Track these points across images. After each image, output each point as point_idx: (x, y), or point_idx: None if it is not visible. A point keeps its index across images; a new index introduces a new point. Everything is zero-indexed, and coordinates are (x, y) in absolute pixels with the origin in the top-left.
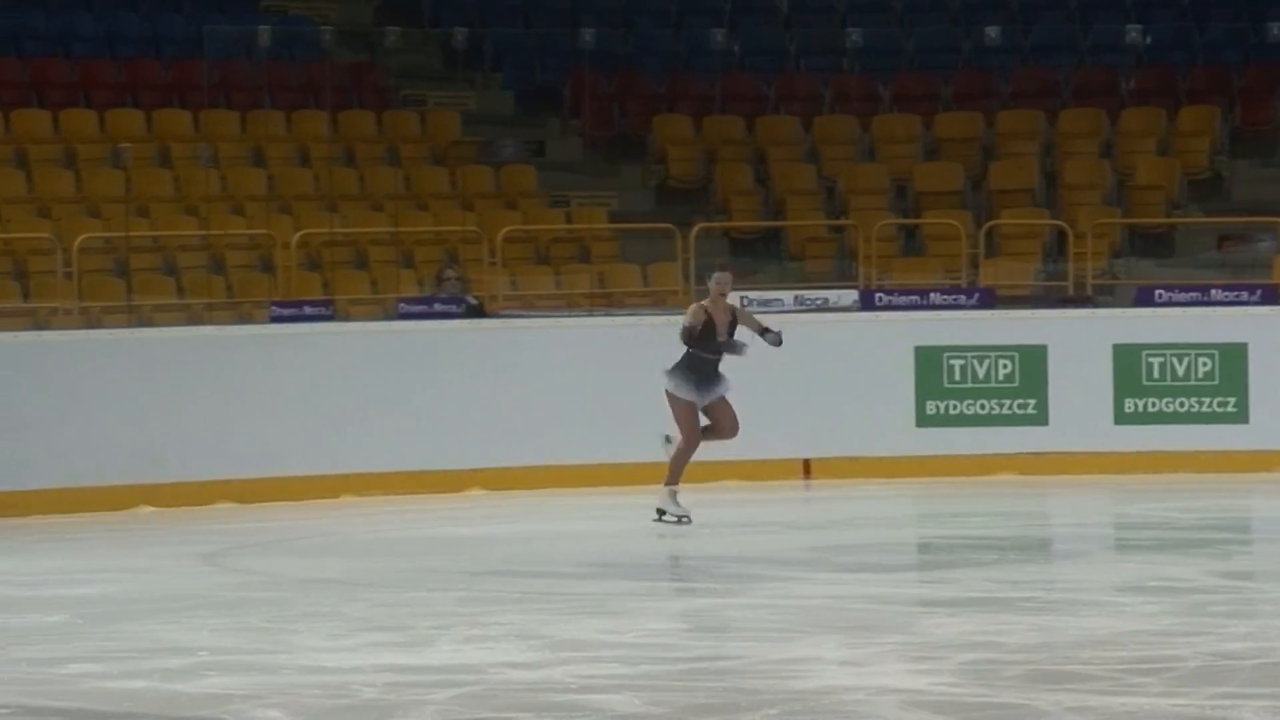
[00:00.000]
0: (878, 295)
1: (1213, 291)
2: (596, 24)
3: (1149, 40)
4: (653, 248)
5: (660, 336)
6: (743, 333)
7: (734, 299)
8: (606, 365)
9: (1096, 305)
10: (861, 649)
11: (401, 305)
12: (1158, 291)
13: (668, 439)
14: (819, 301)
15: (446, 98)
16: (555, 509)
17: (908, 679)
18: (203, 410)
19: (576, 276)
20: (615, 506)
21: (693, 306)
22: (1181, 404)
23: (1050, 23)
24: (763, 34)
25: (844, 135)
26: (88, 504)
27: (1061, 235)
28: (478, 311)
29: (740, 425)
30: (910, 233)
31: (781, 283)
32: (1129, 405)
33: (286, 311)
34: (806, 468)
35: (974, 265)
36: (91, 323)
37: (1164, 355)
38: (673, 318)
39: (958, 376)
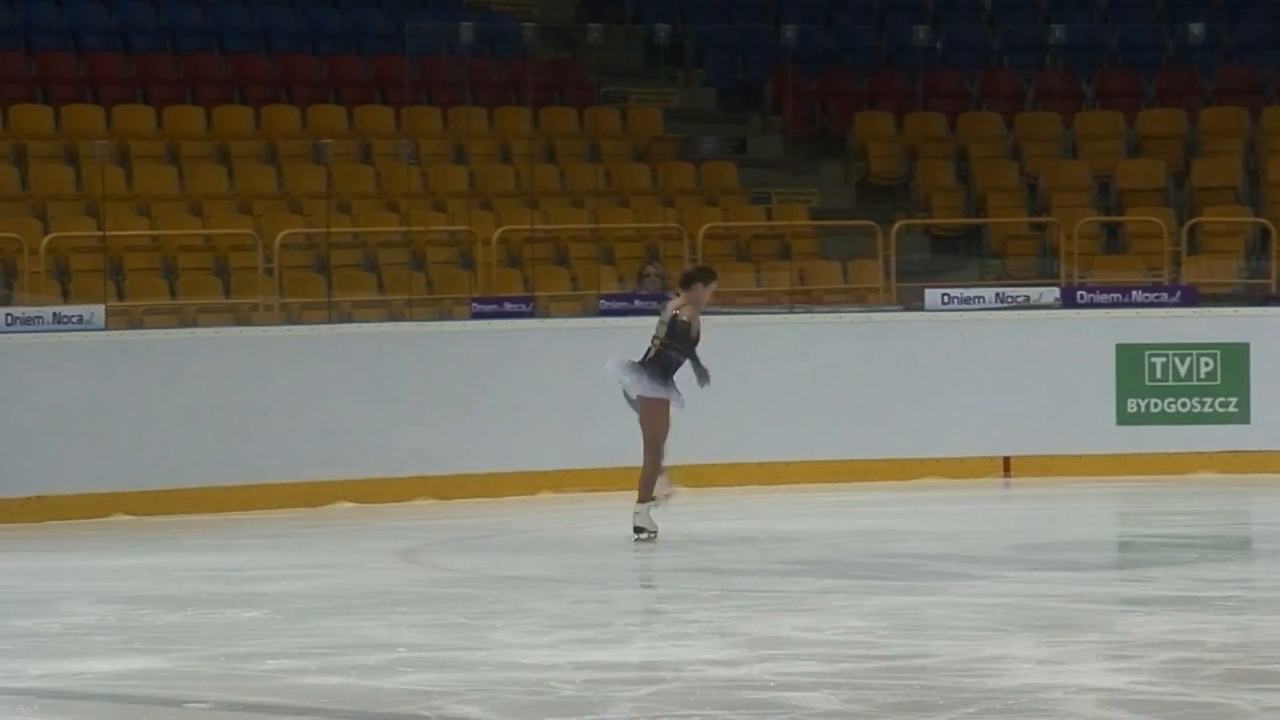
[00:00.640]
0: (1079, 293)
1: None
2: (798, 20)
3: None
4: (853, 244)
5: (860, 333)
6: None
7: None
8: (806, 362)
9: None
10: (1059, 647)
11: (602, 301)
12: None
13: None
14: (1020, 299)
15: (648, 94)
16: (753, 506)
17: (1105, 677)
18: (402, 406)
19: (776, 273)
20: (813, 504)
21: (688, 309)
22: None
23: (1254, 20)
24: (965, 30)
25: (1046, 132)
26: (286, 500)
27: (1264, 233)
28: None
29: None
30: (1112, 230)
31: (982, 280)
32: None
33: (487, 308)
34: (1006, 465)
35: (1176, 263)
36: (292, 319)
37: None
38: (873, 315)
39: (1159, 374)
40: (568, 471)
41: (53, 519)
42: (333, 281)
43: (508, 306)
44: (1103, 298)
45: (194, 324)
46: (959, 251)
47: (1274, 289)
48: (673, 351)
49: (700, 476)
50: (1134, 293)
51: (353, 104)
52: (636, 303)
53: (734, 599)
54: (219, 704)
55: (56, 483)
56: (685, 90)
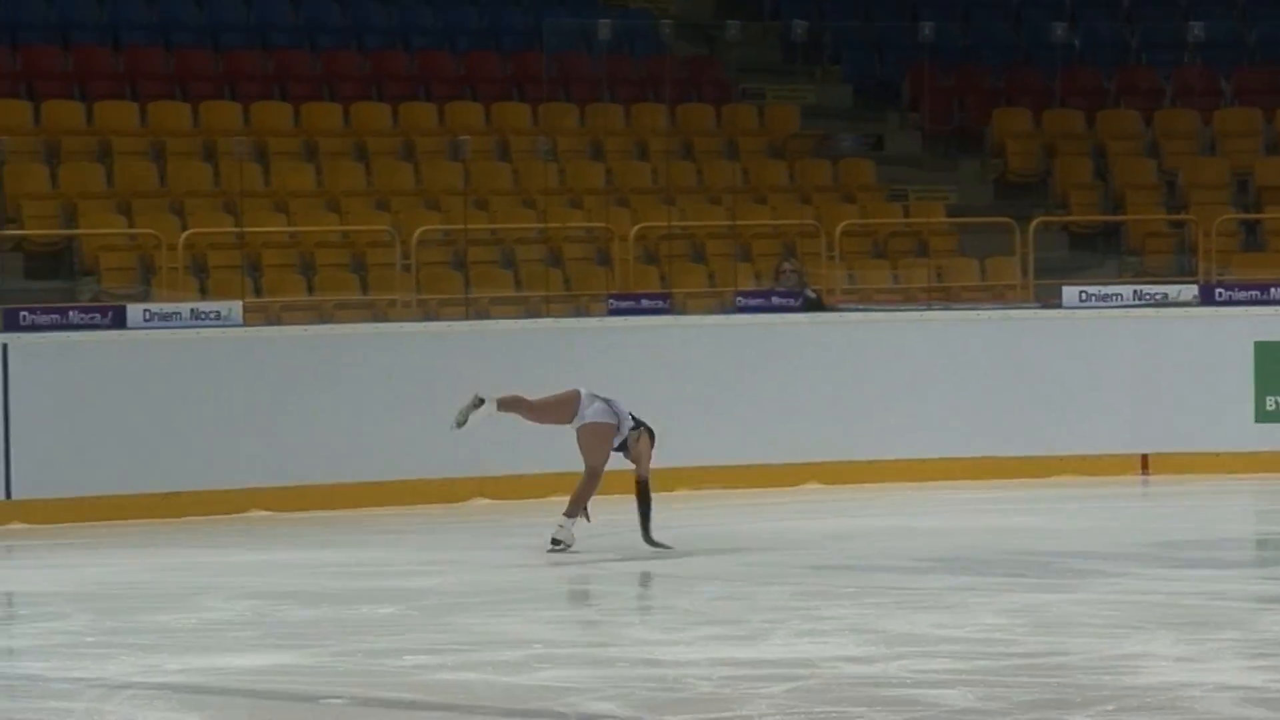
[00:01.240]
0: (1217, 290)
1: None
2: (936, 18)
3: None
4: (991, 242)
5: (997, 331)
6: None
7: None
8: (944, 360)
9: None
10: (1197, 645)
11: (739, 298)
12: None
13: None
14: (1158, 296)
15: (785, 91)
16: (890, 503)
17: (1245, 675)
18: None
19: (914, 270)
20: (950, 501)
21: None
22: None
23: None
24: (1103, 27)
25: (1184, 129)
26: (422, 496)
27: None
28: (815, 305)
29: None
30: (1250, 227)
31: (1120, 277)
32: None
33: (624, 304)
34: (1144, 463)
35: None
36: (429, 315)
37: None
38: (1011, 312)
39: None
40: (703, 469)
41: (189, 515)
42: (470, 278)
43: (644, 303)
44: (1241, 295)
45: (331, 320)
46: (1097, 249)
47: None
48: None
49: (837, 474)
50: (1272, 290)
51: (490, 101)
52: (773, 300)
53: (871, 596)
54: (355, 699)
55: (193, 479)
56: (823, 87)
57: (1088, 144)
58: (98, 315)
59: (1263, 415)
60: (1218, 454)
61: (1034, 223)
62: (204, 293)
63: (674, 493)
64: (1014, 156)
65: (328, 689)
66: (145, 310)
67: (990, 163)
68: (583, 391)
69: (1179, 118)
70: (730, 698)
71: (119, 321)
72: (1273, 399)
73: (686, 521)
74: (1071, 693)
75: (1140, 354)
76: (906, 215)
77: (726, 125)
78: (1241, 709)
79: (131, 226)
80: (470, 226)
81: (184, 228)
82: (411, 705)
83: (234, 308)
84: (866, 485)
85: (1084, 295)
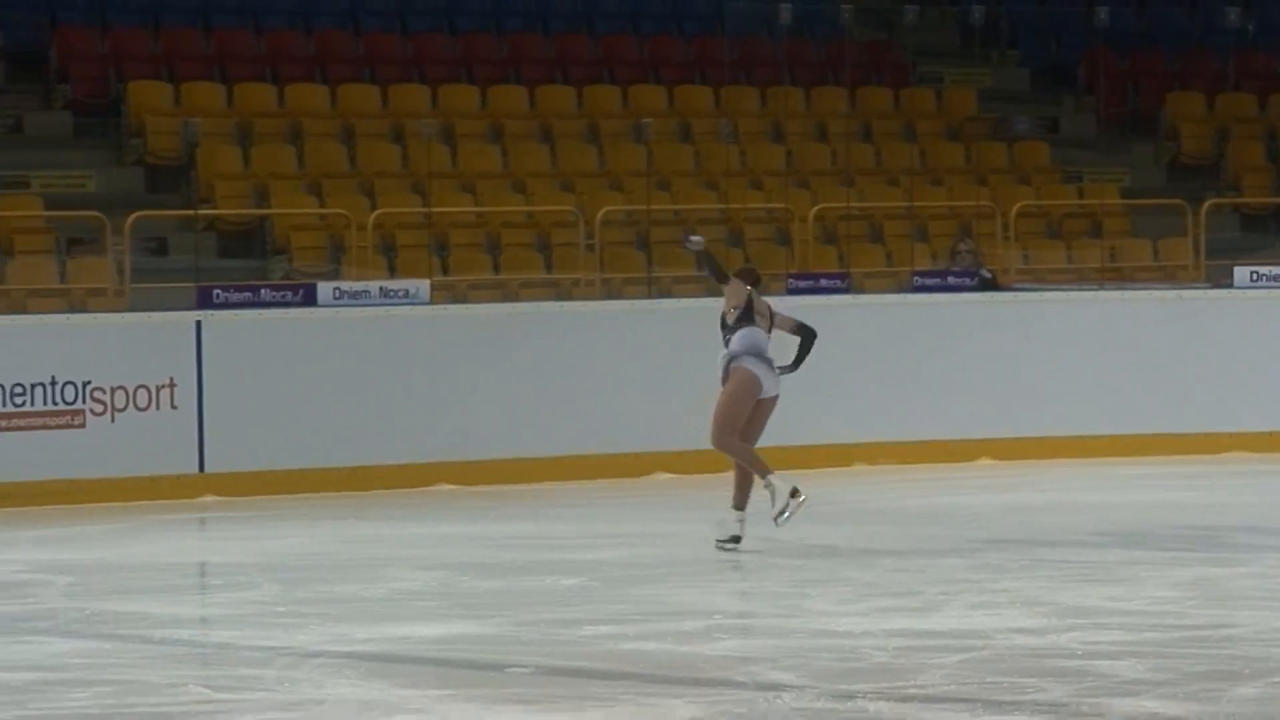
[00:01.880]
0: None
1: None
2: (1111, 2)
3: None
4: (1163, 223)
5: (1170, 310)
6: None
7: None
8: (1117, 339)
9: None
10: None
11: (915, 278)
12: None
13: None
14: None
15: (962, 75)
16: (1061, 479)
17: None
18: (716, 380)
19: (1087, 251)
20: (1120, 476)
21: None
22: None
23: None
24: (1277, 12)
25: None
26: (604, 471)
27: None
28: (991, 284)
29: (715, 434)
30: None
31: None
32: None
33: (803, 283)
34: None
35: None
36: (612, 294)
37: None
38: (1183, 292)
39: None
40: (879, 445)
41: (377, 488)
42: (652, 257)
43: (823, 282)
44: None
45: (516, 299)
46: (1269, 230)
47: None
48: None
49: (1010, 450)
50: None
51: (673, 84)
52: (949, 279)
53: (1042, 569)
54: (539, 668)
55: (381, 453)
56: (999, 71)
57: (1260, 127)
58: (289, 293)
59: None
60: None
61: (1206, 204)
62: (392, 271)
63: (850, 467)
64: (1187, 139)
65: (512, 658)
66: (335, 288)
67: (1164, 145)
68: (746, 367)
69: None
70: (905, 668)
71: (309, 299)
72: None
73: (863, 495)
74: (1240, 664)
75: None
76: (1081, 197)
77: (904, 108)
78: None
79: (322, 207)
80: (653, 207)
81: (373, 208)
82: (593, 674)
83: (421, 286)
84: (1038, 461)
85: (1255, 275)
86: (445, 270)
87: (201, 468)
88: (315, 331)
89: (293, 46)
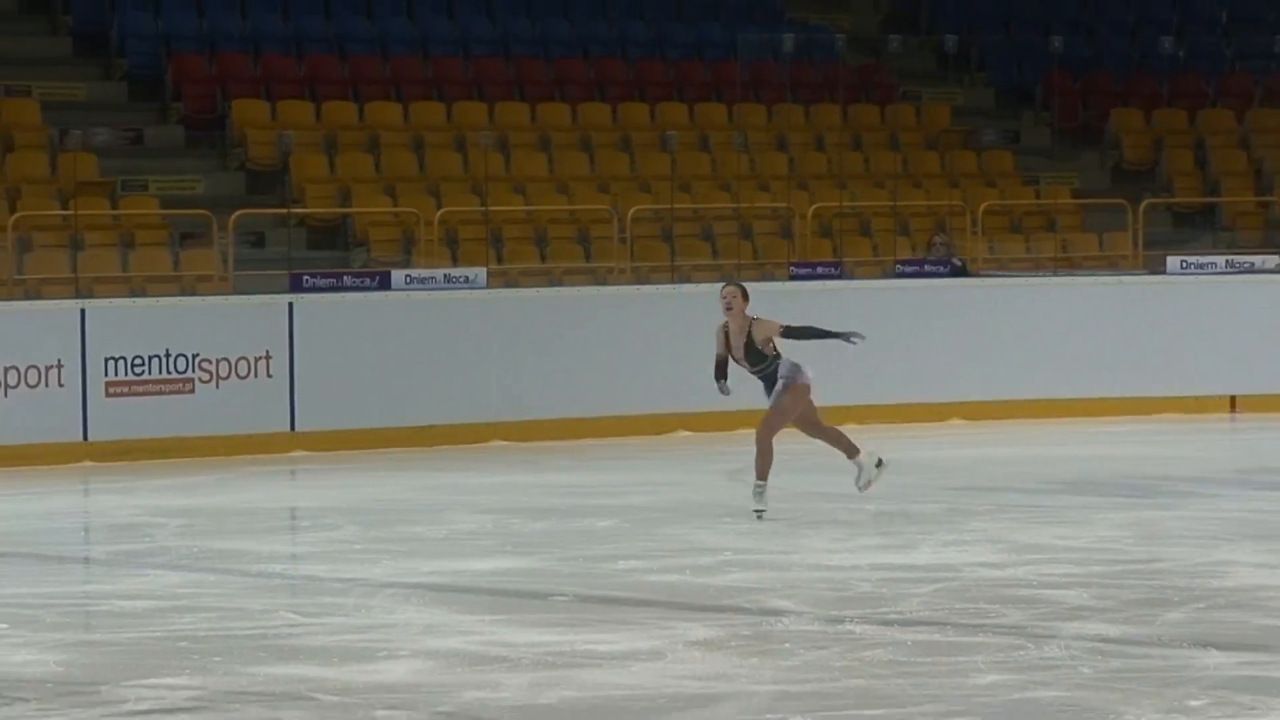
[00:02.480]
0: None
1: None
2: (1064, 32)
3: None
4: (1108, 219)
5: (1113, 294)
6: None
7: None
8: (1068, 317)
9: None
10: (1275, 554)
11: (898, 266)
12: None
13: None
14: (1247, 265)
15: (939, 93)
16: (1022, 436)
17: None
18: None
19: (1044, 243)
20: (1072, 434)
21: (716, 329)
22: None
23: None
24: (1204, 40)
25: (1272, 125)
26: (635, 429)
27: None
28: (962, 272)
29: (763, 428)
30: None
31: (1214, 249)
32: None
33: (803, 271)
34: (1233, 403)
35: None
36: (641, 279)
37: None
38: (1124, 278)
39: None
40: (867, 407)
41: (440, 444)
42: (675, 249)
43: (820, 270)
44: None
45: (560, 284)
46: (1197, 225)
47: None
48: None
49: (978, 412)
50: None
51: (694, 101)
52: (927, 267)
53: (1004, 512)
54: (577, 597)
55: (444, 414)
56: (970, 90)
57: (1190, 138)
58: (367, 280)
59: None
60: None
61: (1144, 204)
62: (455, 261)
63: (843, 426)
64: (1128, 149)
65: (554, 588)
66: (406, 275)
67: (1108, 153)
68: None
69: (1267, 116)
70: (886, 596)
71: (384, 285)
72: None
73: None
74: (1170, 593)
75: (1231, 313)
76: (1038, 197)
77: (889, 122)
78: None
79: (395, 206)
80: (676, 206)
81: (438, 207)
82: (624, 602)
83: (479, 273)
84: (1002, 421)
85: (1185, 264)
86: (500, 260)
87: (292, 427)
88: (389, 311)
89: (371, 70)
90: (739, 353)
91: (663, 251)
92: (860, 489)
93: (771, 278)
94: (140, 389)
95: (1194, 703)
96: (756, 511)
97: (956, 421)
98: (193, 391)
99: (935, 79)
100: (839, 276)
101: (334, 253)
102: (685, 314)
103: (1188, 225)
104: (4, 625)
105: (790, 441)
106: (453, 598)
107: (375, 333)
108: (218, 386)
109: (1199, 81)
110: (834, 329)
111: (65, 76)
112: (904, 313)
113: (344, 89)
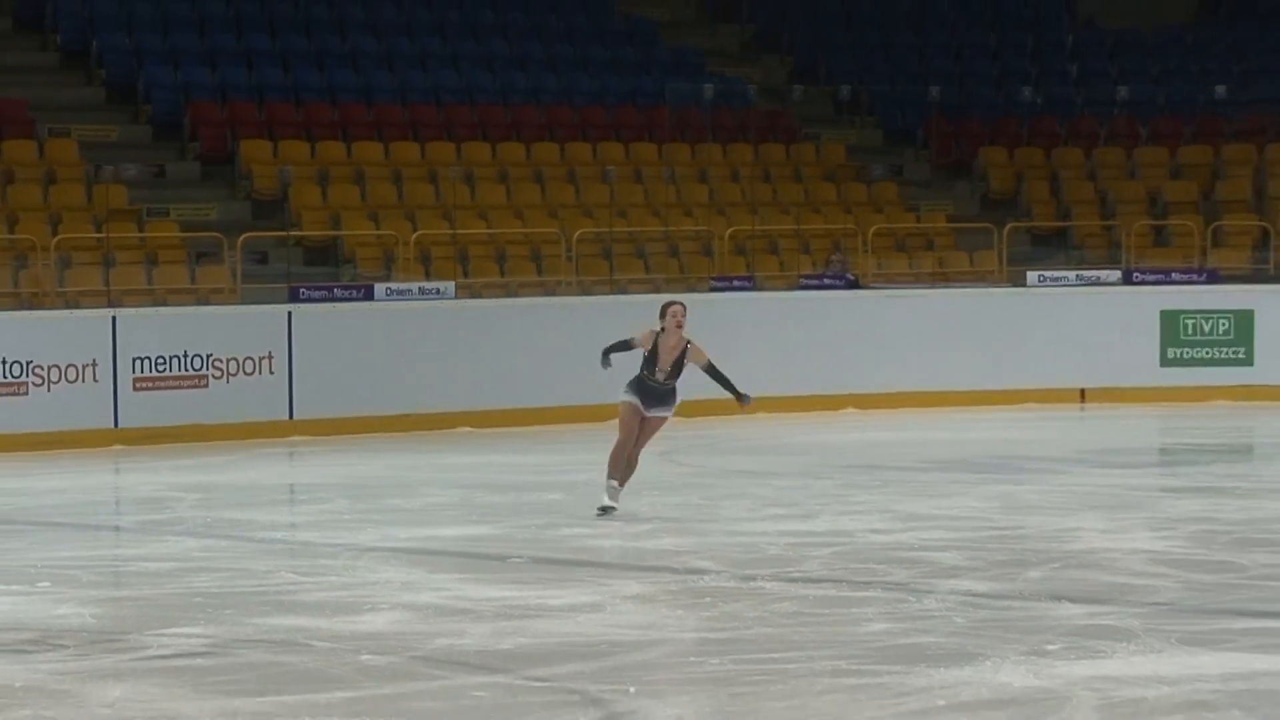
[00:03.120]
0: (1134, 274)
1: None
2: (941, 83)
3: None
4: (977, 240)
5: (981, 303)
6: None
7: (692, 335)
8: (944, 323)
9: None
10: (1117, 522)
11: (801, 280)
12: None
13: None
14: (1094, 278)
15: (835, 135)
16: (905, 422)
17: (1151, 543)
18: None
19: (923, 260)
20: (946, 420)
21: (646, 331)
22: None
23: (1264, 84)
24: (1059, 90)
25: (1115, 161)
26: (580, 417)
27: (1266, 233)
28: (855, 284)
29: (638, 462)
30: (1159, 230)
31: (1067, 265)
32: None
33: (721, 284)
34: (1082, 395)
35: (1203, 253)
36: (585, 291)
37: None
38: (991, 290)
39: (1190, 331)
40: (776, 398)
41: (416, 430)
42: (614, 265)
43: (736, 283)
44: (1151, 277)
45: (516, 295)
46: (1052, 245)
47: (1272, 271)
48: (643, 378)
49: (868, 402)
50: (1173, 274)
51: (629, 141)
52: (825, 280)
53: (890, 487)
54: (532, 559)
55: (419, 403)
56: (862, 131)
57: (1046, 172)
58: (354, 291)
59: (1165, 362)
60: (1134, 388)
61: (1007, 227)
62: (428, 276)
63: (755, 415)
64: (994, 180)
65: (511, 551)
66: (387, 288)
67: (978, 185)
68: (629, 402)
69: (1111, 153)
70: (791, 558)
71: (369, 296)
72: (1172, 350)
73: (760, 435)
74: (1030, 555)
75: (1081, 319)
76: (918, 221)
77: (794, 158)
78: (1148, 566)
79: (378, 230)
80: (615, 229)
81: (415, 230)
82: (570, 563)
83: (449, 286)
84: (888, 410)
85: (1042, 278)
86: (466, 275)
87: (291, 416)
88: (373, 318)
89: (358, 115)
90: (666, 364)
91: (603, 267)
92: (597, 510)
93: (696, 289)
94: (163, 384)
95: (1050, 647)
96: (604, 509)
97: (850, 410)
98: (207, 386)
99: (832, 122)
100: (752, 288)
101: (326, 269)
102: (623, 320)
103: (1044, 245)
104: (47, 583)
105: (713, 427)
106: (426, 559)
107: (361, 336)
108: (228, 382)
109: (1054, 124)
110: (737, 386)
111: (100, 121)
112: (806, 319)
113: (335, 131)
